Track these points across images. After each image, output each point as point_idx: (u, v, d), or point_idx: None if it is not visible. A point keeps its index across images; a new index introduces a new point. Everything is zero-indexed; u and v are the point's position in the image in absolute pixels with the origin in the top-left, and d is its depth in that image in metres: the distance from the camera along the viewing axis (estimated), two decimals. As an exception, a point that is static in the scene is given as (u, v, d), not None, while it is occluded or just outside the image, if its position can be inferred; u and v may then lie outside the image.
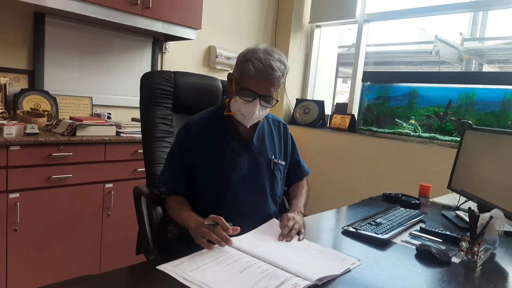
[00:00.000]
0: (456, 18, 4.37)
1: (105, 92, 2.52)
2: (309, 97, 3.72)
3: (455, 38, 4.12)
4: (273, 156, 1.30)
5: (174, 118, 1.52)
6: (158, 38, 2.71)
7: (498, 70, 4.09)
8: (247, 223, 1.19)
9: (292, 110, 3.60)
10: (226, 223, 0.97)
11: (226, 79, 1.32)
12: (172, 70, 1.56)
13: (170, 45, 2.81)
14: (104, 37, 2.47)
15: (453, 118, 2.66)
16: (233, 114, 1.21)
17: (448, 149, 2.51)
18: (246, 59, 1.14)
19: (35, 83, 2.22)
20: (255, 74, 1.12)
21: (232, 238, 0.97)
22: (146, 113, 1.48)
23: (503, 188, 1.23)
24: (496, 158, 1.32)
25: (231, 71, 1.24)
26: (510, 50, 3.78)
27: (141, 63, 2.64)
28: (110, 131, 2.05)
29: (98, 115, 2.37)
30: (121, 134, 2.08)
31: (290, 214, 1.14)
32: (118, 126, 2.12)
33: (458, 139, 2.56)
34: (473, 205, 1.45)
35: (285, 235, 1.05)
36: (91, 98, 2.43)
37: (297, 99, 3.61)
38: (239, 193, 1.22)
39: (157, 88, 1.48)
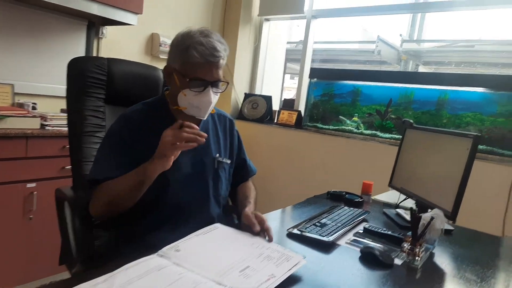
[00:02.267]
0: (396, 19, 4.59)
1: (31, 79, 2.25)
2: (257, 92, 3.67)
3: (395, 39, 4.31)
4: (217, 155, 1.21)
5: (107, 110, 1.36)
6: (94, 22, 2.47)
7: (433, 71, 4.36)
8: (189, 225, 1.09)
9: (240, 105, 3.53)
10: (189, 123, 0.97)
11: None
12: (109, 57, 1.40)
13: (108, 30, 2.58)
14: (31, 18, 2.19)
15: (393, 116, 2.76)
16: (183, 110, 1.10)
17: (388, 146, 2.60)
18: (185, 46, 1.04)
19: None
20: (202, 60, 1.03)
21: (172, 249, 0.88)
22: (74, 104, 1.31)
23: (440, 187, 1.26)
24: (434, 157, 1.35)
25: (167, 64, 1.13)
26: (444, 52, 4.04)
27: (74, 48, 2.39)
28: (33, 124, 1.82)
29: (21, 105, 2.10)
30: (47, 127, 1.86)
31: (254, 212, 1.08)
32: (43, 118, 1.89)
33: (397, 136, 2.66)
34: (412, 203, 1.49)
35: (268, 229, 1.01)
36: (13, 85, 2.15)
37: (245, 94, 3.54)
38: (180, 193, 1.11)
39: (87, 76, 1.31)
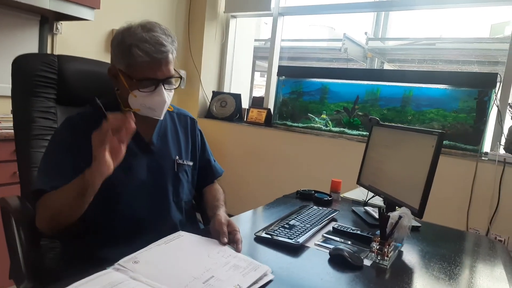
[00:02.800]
0: (362, 18, 4.66)
1: (-22, 78, 2.07)
2: (225, 90, 3.60)
3: (361, 37, 4.38)
4: (177, 157, 1.14)
5: (59, 112, 1.26)
6: (48, 17, 2.31)
7: (398, 69, 4.47)
8: (149, 236, 1.02)
9: (208, 103, 3.45)
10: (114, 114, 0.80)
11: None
12: (60, 54, 1.29)
13: (63, 26, 2.43)
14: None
15: (360, 113, 2.79)
16: (137, 111, 1.02)
17: (356, 143, 2.62)
18: (127, 46, 0.95)
19: None
20: (148, 58, 0.94)
21: (132, 259, 0.81)
22: (20, 105, 1.21)
23: (407, 184, 1.26)
24: (400, 155, 1.35)
25: (110, 65, 1.04)
26: (407, 50, 4.14)
27: (26, 45, 2.22)
28: (-21, 127, 1.67)
29: (-34, 106, 1.93)
30: (-5, 130, 1.72)
31: (228, 219, 1.02)
32: (-10, 120, 1.74)
33: (365, 133, 2.69)
34: (380, 200, 1.49)
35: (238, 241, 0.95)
36: (-44, 85, 1.97)
37: (213, 92, 3.47)
38: (136, 202, 1.03)
39: (35, 75, 1.20)
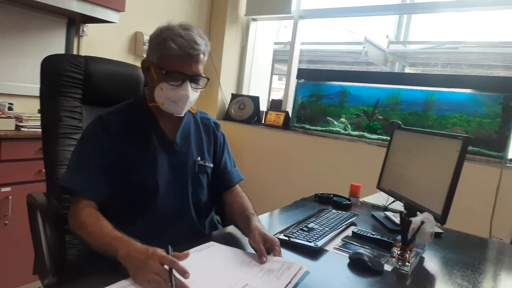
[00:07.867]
0: (383, 21, 4.60)
1: (8, 78, 2.15)
2: (244, 92, 3.62)
3: (382, 40, 4.32)
4: (199, 158, 1.14)
5: (84, 111, 1.30)
6: (74, 19, 2.38)
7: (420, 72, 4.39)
8: (168, 234, 1.04)
9: (227, 105, 3.48)
10: (183, 267, 0.74)
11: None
12: (87, 55, 1.33)
13: (89, 28, 2.50)
14: (7, 14, 2.10)
15: (380, 117, 2.75)
16: (160, 105, 1.04)
17: (376, 147, 2.58)
18: (163, 38, 1.00)
19: None
20: (180, 51, 0.98)
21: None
22: (47, 104, 1.24)
23: (429, 189, 1.23)
24: (423, 159, 1.32)
25: (144, 58, 1.08)
26: (430, 54, 4.06)
27: (53, 46, 2.30)
28: (8, 125, 1.73)
29: (-4, 105, 2.01)
30: (22, 129, 1.78)
31: (259, 233, 0.96)
32: (18, 119, 1.80)
33: (385, 137, 2.65)
34: (401, 205, 1.46)
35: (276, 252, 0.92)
36: (-13, 84, 2.06)
37: (232, 94, 3.49)
38: (156, 200, 1.04)
39: (62, 75, 1.25)
